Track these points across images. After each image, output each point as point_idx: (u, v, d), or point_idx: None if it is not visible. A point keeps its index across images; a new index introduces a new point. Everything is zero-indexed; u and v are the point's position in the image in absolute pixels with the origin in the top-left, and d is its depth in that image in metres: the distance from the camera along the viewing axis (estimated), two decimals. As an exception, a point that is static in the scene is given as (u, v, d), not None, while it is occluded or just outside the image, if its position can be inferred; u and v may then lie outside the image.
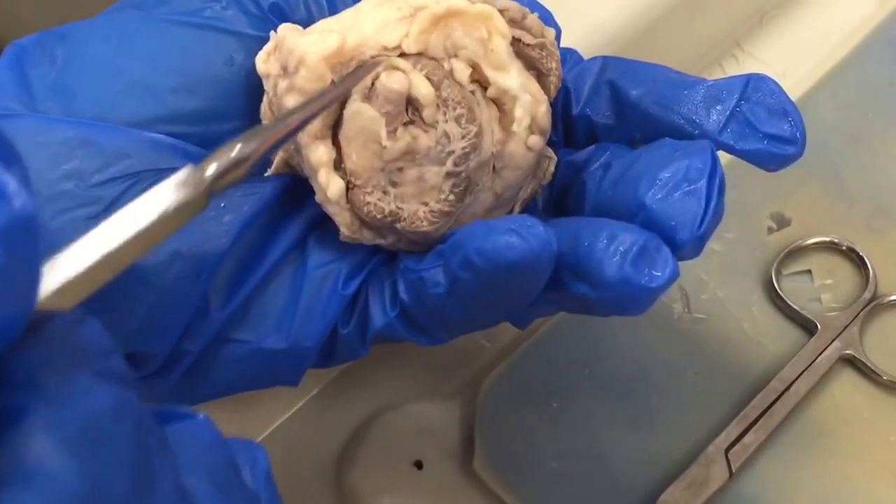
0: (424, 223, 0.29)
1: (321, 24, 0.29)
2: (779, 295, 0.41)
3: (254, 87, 0.31)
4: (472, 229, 0.28)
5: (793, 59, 0.49)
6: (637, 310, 0.28)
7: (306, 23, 0.30)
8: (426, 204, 0.29)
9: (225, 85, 0.30)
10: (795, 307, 0.41)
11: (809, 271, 0.42)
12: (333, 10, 0.31)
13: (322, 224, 0.31)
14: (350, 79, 0.28)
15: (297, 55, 0.28)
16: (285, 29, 0.29)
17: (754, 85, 0.30)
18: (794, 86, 0.48)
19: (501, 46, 0.28)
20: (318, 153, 0.29)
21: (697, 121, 0.30)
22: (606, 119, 0.32)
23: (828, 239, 0.43)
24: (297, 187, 0.31)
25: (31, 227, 0.17)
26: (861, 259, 0.42)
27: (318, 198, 0.30)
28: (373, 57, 0.28)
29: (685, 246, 0.28)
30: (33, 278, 0.18)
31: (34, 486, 0.16)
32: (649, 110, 0.31)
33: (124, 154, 0.29)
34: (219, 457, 0.21)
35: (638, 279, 0.27)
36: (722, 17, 0.48)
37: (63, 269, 0.20)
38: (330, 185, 0.29)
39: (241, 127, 0.30)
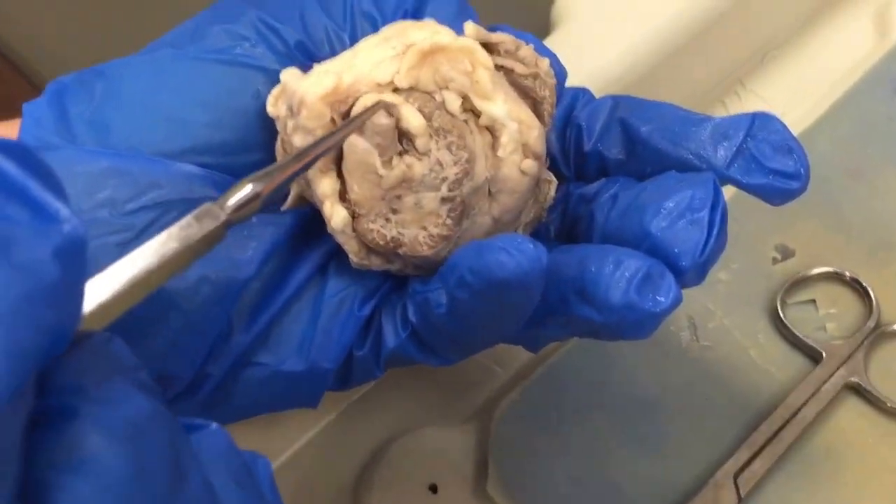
0: (424, 247, 0.30)
1: (321, 66, 0.31)
2: (784, 324, 0.42)
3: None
4: (465, 250, 0.29)
5: (794, 96, 0.51)
6: (641, 334, 0.29)
7: (330, 58, 0.32)
8: (425, 229, 0.30)
9: (252, 117, 0.32)
10: (801, 336, 0.42)
11: (814, 301, 0.43)
12: (356, 41, 0.32)
13: (340, 252, 0.32)
14: (351, 124, 0.29)
15: (298, 97, 0.30)
16: (288, 74, 0.31)
17: (760, 123, 0.31)
18: (796, 122, 0.49)
19: (485, 77, 0.30)
20: (324, 186, 0.30)
21: (705, 156, 0.31)
22: (617, 154, 0.33)
23: (831, 270, 0.44)
24: (317, 218, 0.33)
25: (82, 248, 0.19)
26: (864, 289, 0.43)
27: (328, 228, 0.31)
28: (374, 103, 0.30)
29: (688, 272, 0.29)
30: (81, 295, 0.19)
31: (87, 472, 0.18)
32: (658, 146, 0.32)
33: (156, 184, 0.30)
34: (235, 460, 0.23)
35: (642, 304, 0.28)
36: (725, 56, 0.50)
37: (95, 293, 0.22)
38: (334, 216, 0.30)
39: (265, 157, 0.32)
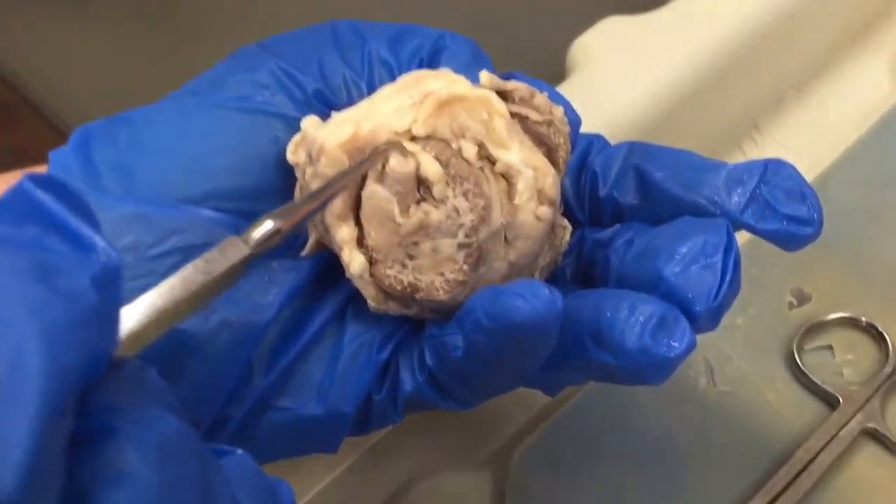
0: (441, 292, 0.31)
1: (340, 115, 0.31)
2: (801, 369, 0.42)
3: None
4: (482, 294, 0.29)
5: (810, 139, 0.51)
6: (657, 379, 0.30)
7: (347, 106, 0.32)
8: (442, 274, 0.31)
9: (272, 164, 0.32)
10: (817, 381, 0.42)
11: (830, 346, 0.43)
12: (372, 90, 0.33)
13: (357, 297, 0.33)
14: (366, 162, 0.30)
15: (317, 145, 0.30)
16: (308, 122, 0.32)
17: (773, 169, 0.32)
18: (812, 166, 0.49)
19: (501, 125, 0.31)
20: (342, 232, 0.31)
21: (719, 202, 0.32)
22: (632, 200, 0.33)
23: (848, 315, 0.44)
24: (335, 264, 0.33)
25: (117, 276, 0.21)
26: (880, 334, 0.43)
27: (347, 273, 0.31)
28: (385, 142, 0.30)
29: (702, 317, 0.30)
30: (117, 320, 0.21)
31: (126, 484, 0.19)
32: (673, 191, 0.32)
33: (178, 230, 0.31)
34: (260, 483, 0.24)
35: (657, 349, 0.29)
36: (740, 100, 0.50)
37: (126, 322, 0.23)
38: (353, 262, 0.31)
39: (283, 203, 0.33)
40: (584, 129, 0.42)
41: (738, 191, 0.32)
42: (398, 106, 0.31)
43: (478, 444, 0.42)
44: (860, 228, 0.47)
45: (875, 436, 0.41)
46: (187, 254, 0.31)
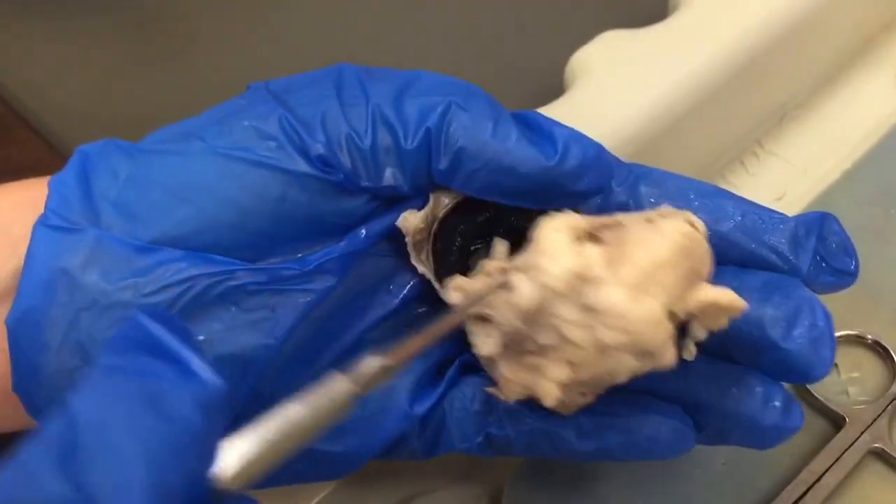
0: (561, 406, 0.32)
1: (622, 275, 0.29)
2: (805, 387, 0.41)
3: (300, 219, 0.32)
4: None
5: (814, 156, 0.50)
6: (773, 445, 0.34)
7: (351, 173, 0.31)
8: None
9: (277, 219, 0.32)
10: (823, 400, 0.41)
11: (836, 365, 0.43)
12: (375, 160, 0.32)
13: (384, 326, 0.33)
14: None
15: (615, 312, 0.28)
16: (616, 294, 0.29)
17: (827, 225, 0.33)
18: (816, 183, 0.49)
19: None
20: (555, 371, 0.30)
21: (791, 259, 0.33)
22: None
23: (853, 332, 0.43)
24: (362, 291, 0.33)
25: (220, 401, 0.22)
26: (887, 352, 0.42)
27: (545, 402, 0.31)
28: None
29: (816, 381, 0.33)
30: (219, 445, 0.22)
31: None
32: (742, 243, 0.33)
33: (176, 266, 0.30)
34: None
35: (788, 424, 0.33)
36: (743, 115, 0.49)
37: (232, 455, 0.24)
38: (548, 395, 0.30)
39: (285, 251, 0.32)
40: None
41: (803, 248, 0.33)
42: (672, 286, 0.29)
43: (474, 462, 0.41)
44: (866, 245, 0.46)
45: (882, 456, 0.40)
46: (188, 285, 0.30)
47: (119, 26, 0.54)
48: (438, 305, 0.33)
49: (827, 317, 0.32)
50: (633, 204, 0.33)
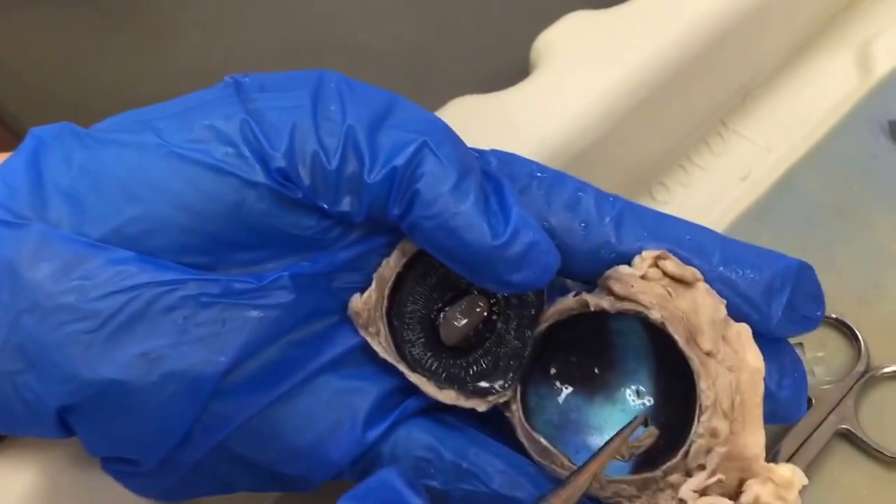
0: None
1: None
2: (772, 369, 0.41)
3: (259, 228, 0.30)
4: None
5: (777, 135, 0.50)
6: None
7: (309, 190, 0.30)
8: None
9: (233, 226, 0.30)
10: (789, 381, 0.41)
11: (801, 344, 0.43)
12: (337, 184, 0.30)
13: (344, 357, 0.32)
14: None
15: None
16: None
17: (804, 276, 0.33)
18: (779, 161, 0.48)
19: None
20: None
21: (764, 310, 0.32)
22: None
23: (818, 312, 0.43)
24: (320, 312, 0.32)
25: None
26: (851, 331, 0.42)
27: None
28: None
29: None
30: None
31: None
32: (720, 291, 0.32)
33: (125, 270, 0.29)
34: None
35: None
36: (706, 95, 0.49)
37: None
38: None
39: (243, 260, 0.31)
40: (549, 125, 0.41)
41: (776, 301, 0.32)
42: None
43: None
44: (829, 224, 0.46)
45: (849, 437, 0.40)
46: (134, 294, 0.29)
47: (82, 5, 0.53)
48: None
49: (801, 362, 0.34)
50: (616, 241, 0.32)
